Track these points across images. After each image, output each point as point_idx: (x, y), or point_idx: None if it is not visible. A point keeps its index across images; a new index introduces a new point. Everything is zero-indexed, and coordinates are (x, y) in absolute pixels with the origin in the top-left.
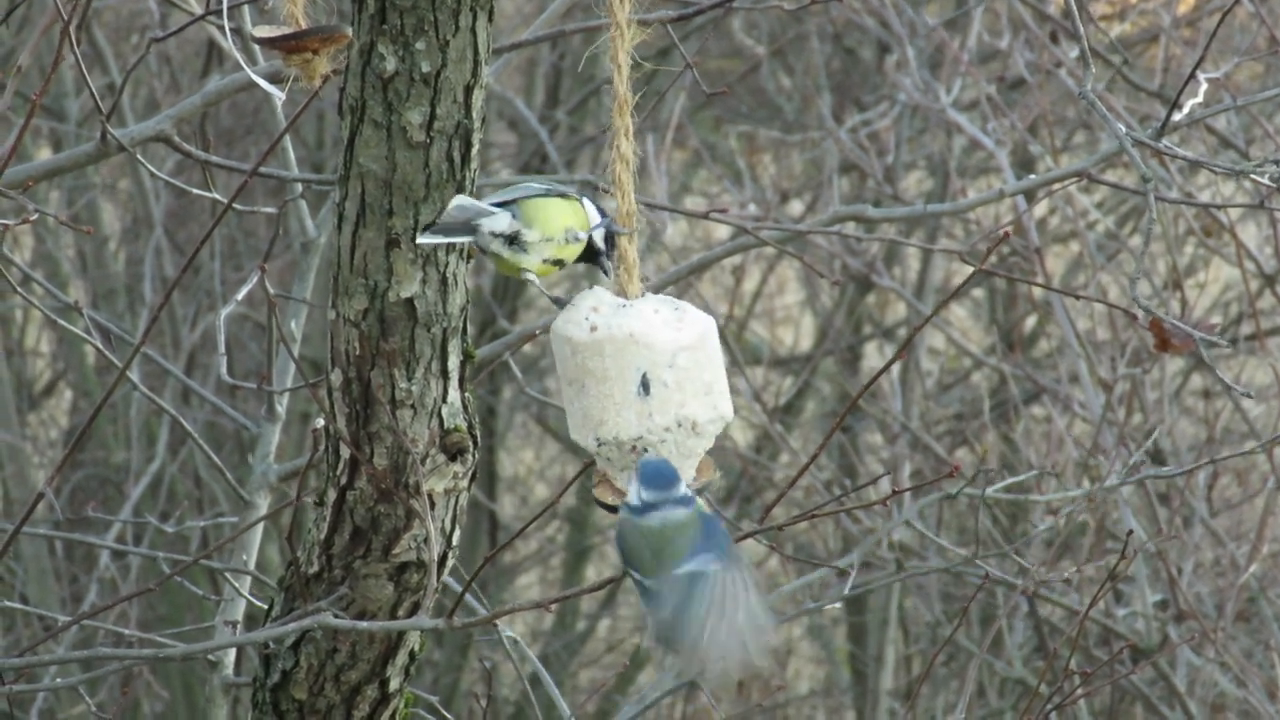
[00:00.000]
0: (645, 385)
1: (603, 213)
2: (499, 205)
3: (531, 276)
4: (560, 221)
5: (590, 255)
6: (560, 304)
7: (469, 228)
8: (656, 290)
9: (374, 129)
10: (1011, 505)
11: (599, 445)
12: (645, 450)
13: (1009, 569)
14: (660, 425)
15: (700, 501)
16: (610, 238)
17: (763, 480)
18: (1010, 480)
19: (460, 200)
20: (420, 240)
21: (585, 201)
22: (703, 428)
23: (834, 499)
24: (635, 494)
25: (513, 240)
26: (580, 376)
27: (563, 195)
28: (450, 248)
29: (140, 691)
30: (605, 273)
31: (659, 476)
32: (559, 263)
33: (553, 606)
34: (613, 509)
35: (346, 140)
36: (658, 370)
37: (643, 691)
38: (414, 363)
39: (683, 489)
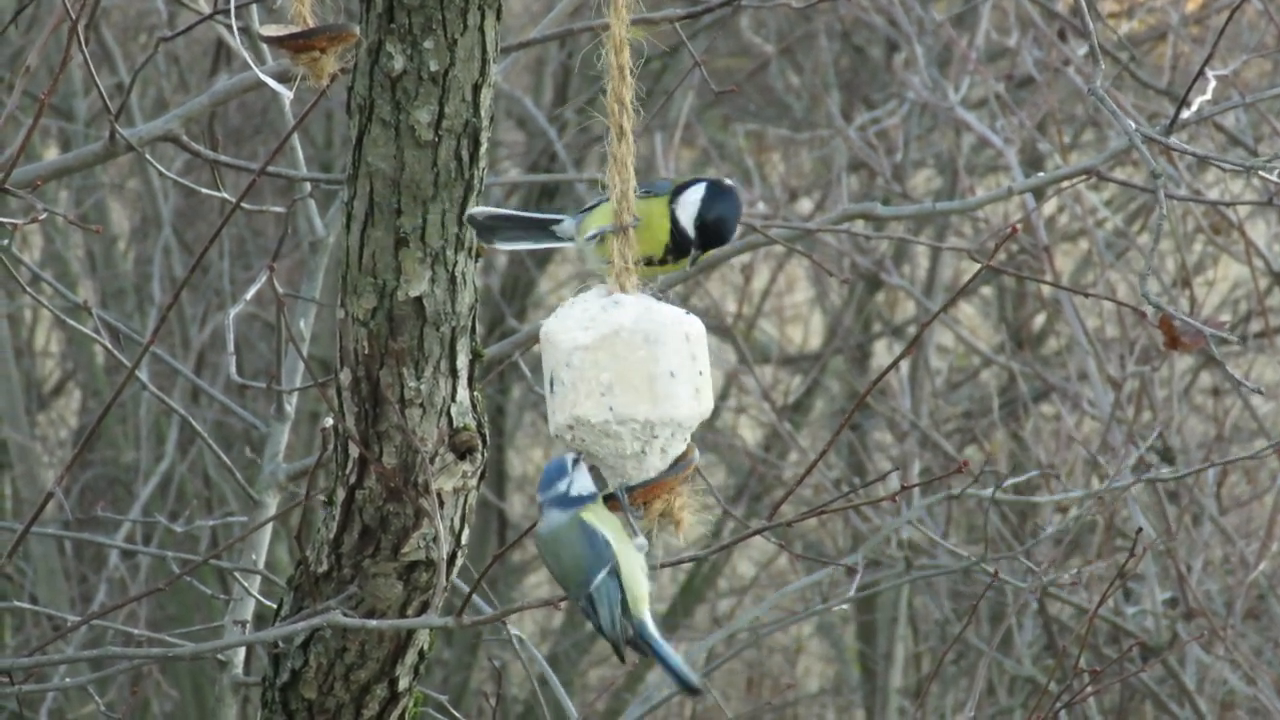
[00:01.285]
0: (551, 383)
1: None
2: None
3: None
4: (596, 224)
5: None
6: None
7: (539, 233)
8: (663, 289)
9: (382, 128)
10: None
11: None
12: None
13: (1018, 568)
14: (562, 423)
15: (591, 507)
16: (703, 231)
17: (771, 478)
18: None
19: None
20: (500, 246)
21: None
22: (608, 428)
23: (843, 496)
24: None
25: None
26: None
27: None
28: (458, 246)
29: (150, 691)
30: (691, 263)
31: (543, 478)
32: (648, 261)
33: (561, 605)
34: None
35: (355, 139)
36: (558, 369)
37: (648, 691)
38: (423, 362)
39: (564, 488)
